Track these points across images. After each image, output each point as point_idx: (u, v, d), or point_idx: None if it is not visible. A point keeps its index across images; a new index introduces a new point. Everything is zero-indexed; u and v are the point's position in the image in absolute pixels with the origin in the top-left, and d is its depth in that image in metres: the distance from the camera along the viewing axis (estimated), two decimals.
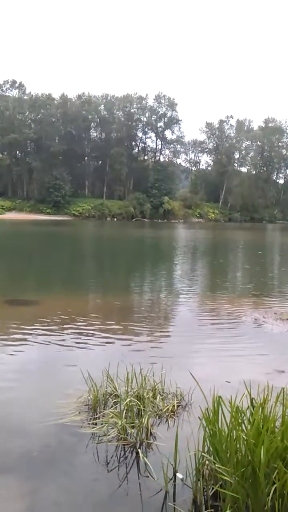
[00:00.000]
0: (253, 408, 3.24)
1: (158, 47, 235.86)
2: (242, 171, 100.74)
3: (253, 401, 3.32)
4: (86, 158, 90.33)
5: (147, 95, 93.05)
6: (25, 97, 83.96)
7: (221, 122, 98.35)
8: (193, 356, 6.53)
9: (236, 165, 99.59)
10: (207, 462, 3.19)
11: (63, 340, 7.14)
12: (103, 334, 7.57)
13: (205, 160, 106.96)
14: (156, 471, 3.41)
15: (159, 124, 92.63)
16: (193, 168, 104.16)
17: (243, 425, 3.12)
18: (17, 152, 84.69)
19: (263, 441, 2.80)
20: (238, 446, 2.99)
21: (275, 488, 2.73)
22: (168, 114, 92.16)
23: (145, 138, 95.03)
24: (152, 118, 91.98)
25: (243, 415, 3.18)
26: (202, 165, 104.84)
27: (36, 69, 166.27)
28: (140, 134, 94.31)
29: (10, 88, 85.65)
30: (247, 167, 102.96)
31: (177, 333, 8.05)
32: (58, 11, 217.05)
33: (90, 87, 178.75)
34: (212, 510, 2.94)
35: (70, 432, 4.06)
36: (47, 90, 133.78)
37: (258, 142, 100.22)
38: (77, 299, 11.05)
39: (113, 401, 4.53)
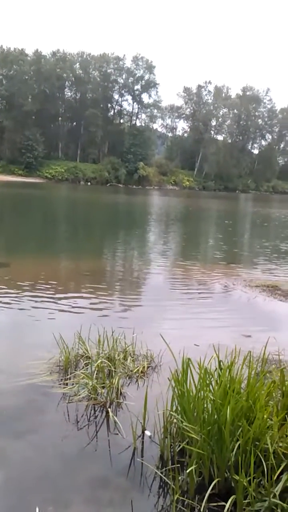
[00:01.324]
0: (221, 370, 3.35)
1: (137, 8, 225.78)
2: (218, 139, 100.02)
3: (221, 364, 3.42)
4: (60, 118, 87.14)
5: (124, 55, 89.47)
6: None
7: (199, 87, 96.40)
8: (164, 320, 6.64)
9: (212, 132, 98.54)
10: (174, 420, 3.30)
11: (34, 303, 7.09)
12: (75, 299, 7.56)
13: (182, 127, 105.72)
14: (125, 429, 3.51)
15: (136, 87, 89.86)
16: (169, 134, 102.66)
17: (210, 386, 3.24)
18: None
19: (229, 401, 2.91)
20: (205, 406, 3.10)
21: (239, 444, 2.87)
22: (146, 77, 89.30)
23: (121, 101, 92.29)
24: (129, 80, 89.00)
25: (211, 376, 3.28)
26: (179, 131, 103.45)
27: (8, 21, 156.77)
28: (116, 96, 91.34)
29: None
30: (223, 135, 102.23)
31: (148, 298, 8.13)
32: None
33: (65, 44, 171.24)
34: (178, 465, 3.07)
35: (41, 392, 4.10)
36: (20, 45, 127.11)
37: (235, 110, 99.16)
38: (49, 263, 10.94)
39: (85, 362, 4.58)
